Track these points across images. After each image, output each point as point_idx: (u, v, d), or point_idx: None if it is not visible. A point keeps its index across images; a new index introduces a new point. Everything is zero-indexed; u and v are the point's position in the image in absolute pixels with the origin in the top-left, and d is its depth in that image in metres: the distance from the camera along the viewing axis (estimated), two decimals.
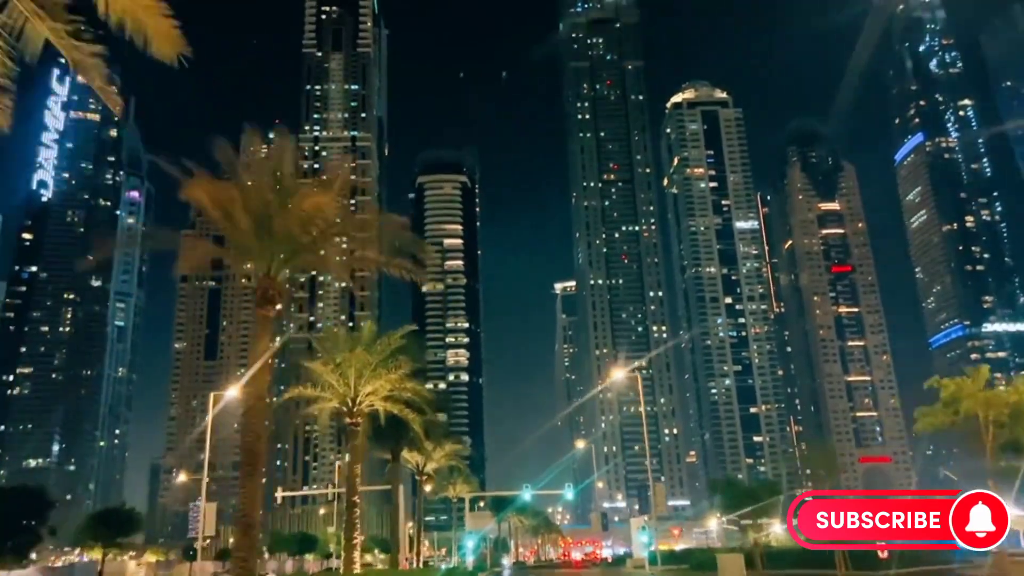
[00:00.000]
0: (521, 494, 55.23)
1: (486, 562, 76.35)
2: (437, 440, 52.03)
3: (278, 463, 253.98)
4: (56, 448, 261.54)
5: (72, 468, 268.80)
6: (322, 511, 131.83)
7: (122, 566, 52.80)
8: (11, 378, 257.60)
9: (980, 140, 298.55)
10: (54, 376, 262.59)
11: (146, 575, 46.31)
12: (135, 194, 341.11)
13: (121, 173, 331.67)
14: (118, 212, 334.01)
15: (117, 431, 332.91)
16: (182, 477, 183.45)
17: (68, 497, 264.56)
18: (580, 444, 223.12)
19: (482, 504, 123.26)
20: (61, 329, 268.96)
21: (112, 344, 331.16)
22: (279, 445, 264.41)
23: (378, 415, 35.43)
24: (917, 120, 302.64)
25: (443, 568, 52.58)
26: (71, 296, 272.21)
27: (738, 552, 31.89)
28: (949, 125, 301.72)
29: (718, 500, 51.83)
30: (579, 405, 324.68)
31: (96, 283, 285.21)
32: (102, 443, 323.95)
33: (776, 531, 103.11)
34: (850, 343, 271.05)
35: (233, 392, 37.51)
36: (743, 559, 26.58)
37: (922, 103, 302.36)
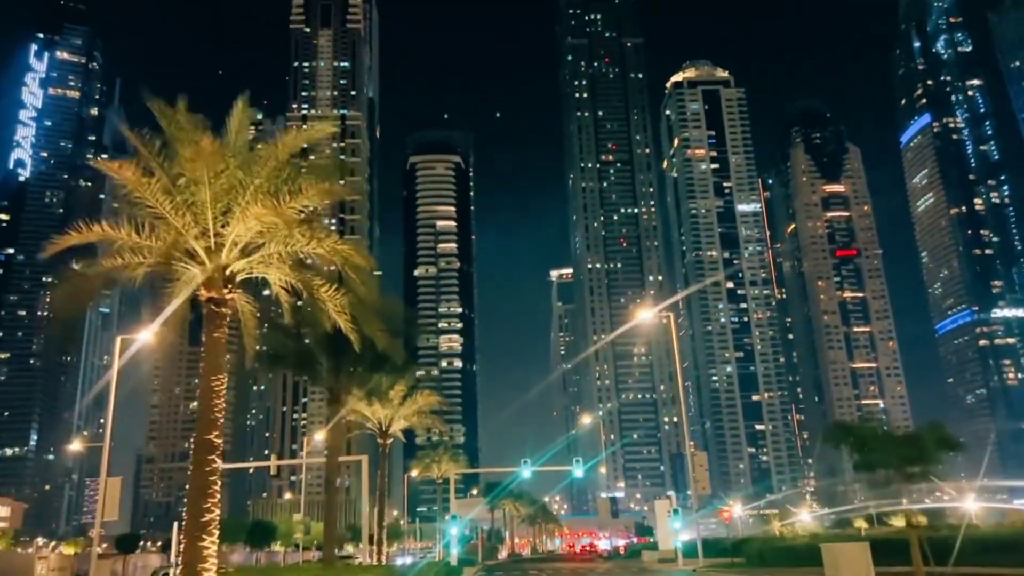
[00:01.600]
0: (519, 471, 45.28)
1: (477, 556, 67.29)
2: (397, 373, 37.09)
3: (266, 452, 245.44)
4: (34, 437, 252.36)
5: (51, 457, 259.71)
6: (287, 496, 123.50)
7: (29, 559, 43.81)
8: None
9: (988, 122, 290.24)
10: (32, 362, 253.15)
11: (51, 569, 37.33)
12: None
13: (105, 156, 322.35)
14: (102, 196, 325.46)
15: (102, 420, 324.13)
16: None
17: (47, 487, 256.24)
18: (586, 419, 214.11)
19: (475, 492, 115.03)
20: (39, 313, 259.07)
21: (97, 332, 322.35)
22: (266, 434, 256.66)
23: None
24: (924, 101, 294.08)
25: (420, 563, 43.88)
26: (50, 279, 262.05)
27: (859, 541, 22.66)
28: (956, 106, 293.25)
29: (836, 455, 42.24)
30: (575, 393, 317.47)
31: (76, 266, 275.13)
32: (85, 432, 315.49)
33: (804, 519, 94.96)
34: (855, 329, 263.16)
35: (146, 336, 29.78)
36: (869, 550, 18.11)
37: (929, 83, 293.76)
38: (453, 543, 49.74)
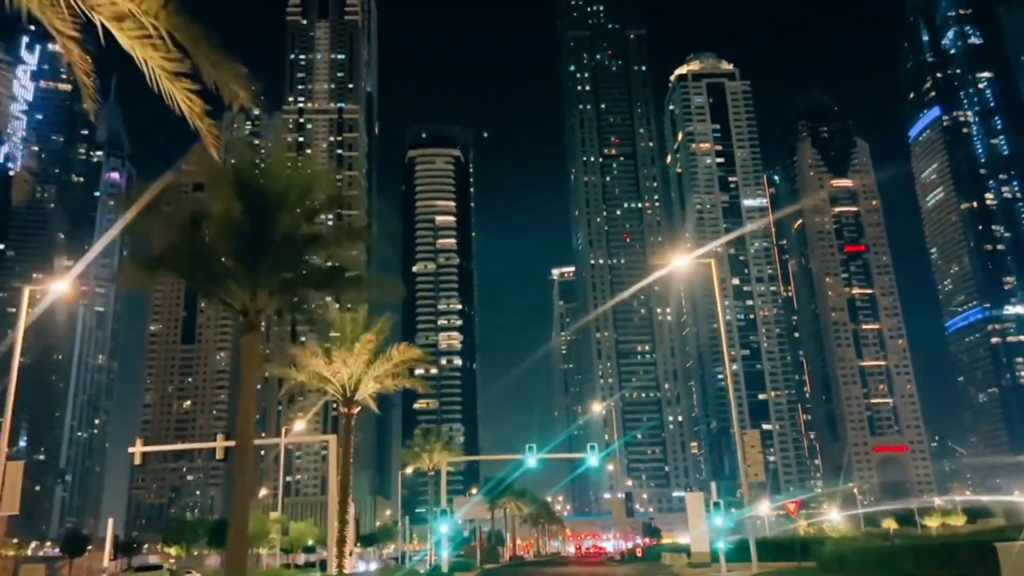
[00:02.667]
0: (523, 459, 38.21)
1: (474, 559, 60.74)
2: (357, 290, 22.88)
3: (261, 452, 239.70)
4: (23, 437, 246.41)
5: (41, 458, 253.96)
6: (263, 491, 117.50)
7: None
8: None
9: (998, 116, 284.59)
10: (21, 360, 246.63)
11: None
12: (116, 176, 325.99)
13: (100, 153, 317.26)
14: (97, 193, 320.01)
15: (96, 421, 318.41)
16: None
17: (37, 488, 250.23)
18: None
19: (474, 491, 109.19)
20: (28, 310, 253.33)
21: (90, 331, 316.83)
22: (261, 433, 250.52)
23: None
24: (933, 94, 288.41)
25: (406, 565, 37.90)
26: (40, 276, 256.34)
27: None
28: (966, 100, 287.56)
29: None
30: (577, 393, 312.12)
31: (68, 263, 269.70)
32: (82, 434, 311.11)
33: (834, 519, 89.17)
34: (864, 326, 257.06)
35: (62, 286, 24.34)
36: None
37: (938, 76, 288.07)
38: (443, 543, 43.11)
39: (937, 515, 78.19)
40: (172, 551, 67.91)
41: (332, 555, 30.43)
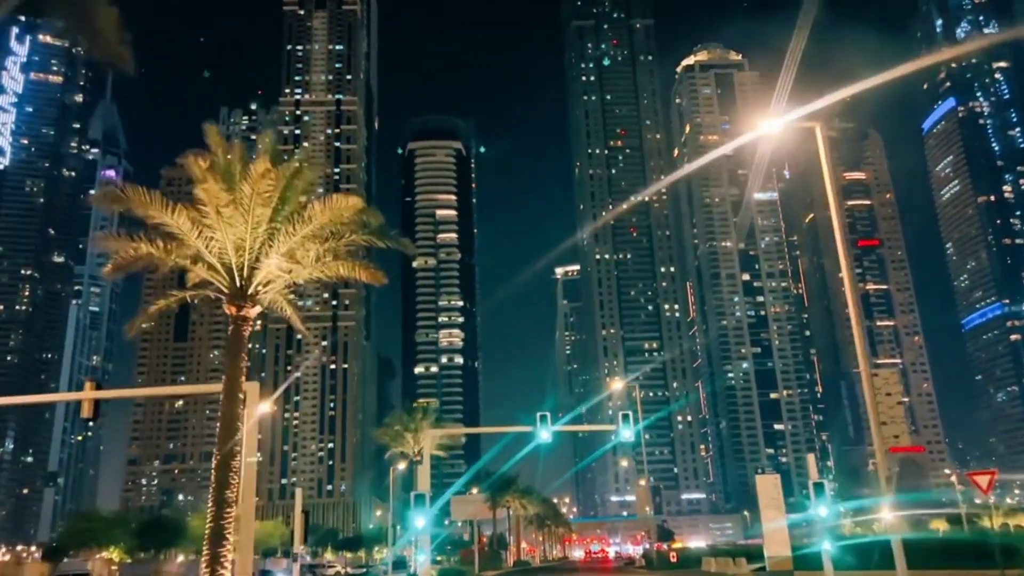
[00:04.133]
0: (535, 432, 29.26)
1: (472, 567, 50.91)
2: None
3: (257, 453, 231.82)
4: (11, 438, 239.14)
5: (30, 460, 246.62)
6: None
7: None
8: None
9: (1013, 107, 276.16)
10: (9, 359, 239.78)
11: None
12: (111, 173, 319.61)
13: (96, 150, 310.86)
14: (92, 191, 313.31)
15: (91, 423, 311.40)
16: None
17: (24, 491, 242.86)
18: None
19: (475, 491, 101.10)
20: (18, 308, 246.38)
21: (85, 331, 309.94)
22: (258, 435, 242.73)
23: None
24: (948, 84, 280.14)
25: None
26: (29, 272, 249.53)
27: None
28: (981, 90, 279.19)
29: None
30: (582, 393, 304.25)
31: (58, 259, 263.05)
32: (80, 437, 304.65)
33: (886, 518, 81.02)
34: (879, 323, 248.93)
35: None
36: None
37: (953, 66, 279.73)
38: (422, 545, 33.59)
39: (999, 515, 70.57)
40: (115, 555, 60.40)
41: (205, 559, 18.51)
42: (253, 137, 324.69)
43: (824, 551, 22.50)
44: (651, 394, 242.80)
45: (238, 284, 20.12)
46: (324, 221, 20.22)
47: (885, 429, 17.21)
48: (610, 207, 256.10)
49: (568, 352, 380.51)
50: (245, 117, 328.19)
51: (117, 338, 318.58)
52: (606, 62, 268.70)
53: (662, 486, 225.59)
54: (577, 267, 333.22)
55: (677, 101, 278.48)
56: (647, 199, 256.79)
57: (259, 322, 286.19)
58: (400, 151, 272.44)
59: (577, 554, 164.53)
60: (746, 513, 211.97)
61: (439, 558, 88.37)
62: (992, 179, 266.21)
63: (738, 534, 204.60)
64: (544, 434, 30.61)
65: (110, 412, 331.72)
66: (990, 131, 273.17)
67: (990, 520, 60.87)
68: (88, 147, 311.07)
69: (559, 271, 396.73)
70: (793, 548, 29.43)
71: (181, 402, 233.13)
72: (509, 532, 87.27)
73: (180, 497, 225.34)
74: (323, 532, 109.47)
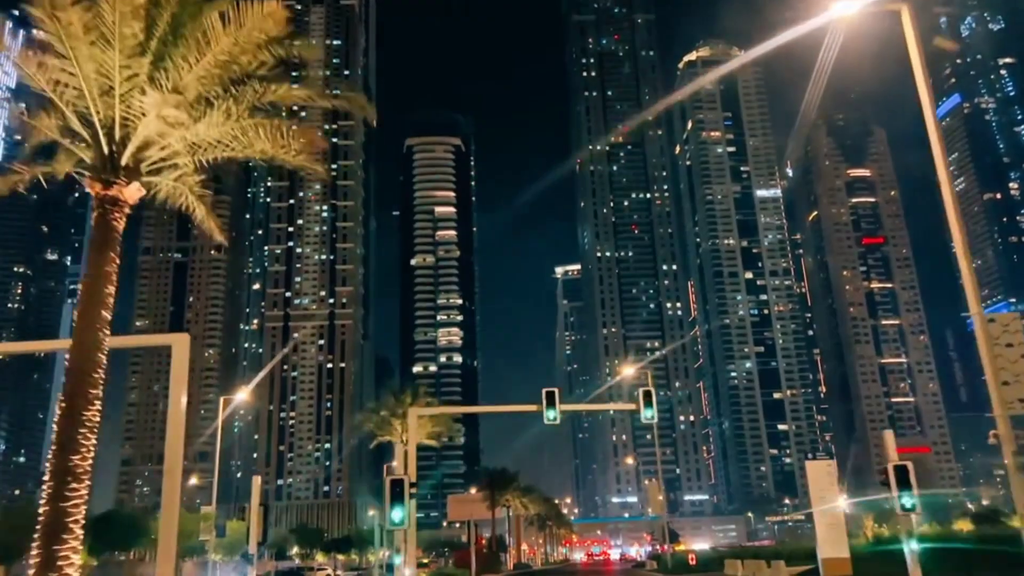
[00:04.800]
0: (543, 412, 25.64)
1: (469, 569, 46.36)
2: None
3: (254, 455, 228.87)
4: (3, 438, 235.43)
5: (22, 460, 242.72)
6: (193, 479, 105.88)
7: None
8: None
9: (1017, 105, 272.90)
10: (2, 357, 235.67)
11: None
12: None
13: None
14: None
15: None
16: None
17: (16, 492, 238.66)
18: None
19: (473, 491, 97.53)
20: (10, 305, 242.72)
21: None
22: (254, 436, 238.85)
23: None
24: (953, 80, 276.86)
25: None
26: (22, 270, 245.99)
27: None
28: (986, 87, 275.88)
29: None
30: (582, 393, 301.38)
31: (52, 256, 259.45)
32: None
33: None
34: (884, 322, 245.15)
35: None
36: None
37: (958, 62, 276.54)
38: (403, 548, 28.08)
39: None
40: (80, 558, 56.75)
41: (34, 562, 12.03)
42: None
43: (909, 552, 18.68)
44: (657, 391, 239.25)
45: (104, 149, 13.66)
46: (228, 46, 13.40)
47: (1007, 391, 14.14)
48: (611, 204, 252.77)
49: (568, 352, 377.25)
50: None
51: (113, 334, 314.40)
52: (607, 57, 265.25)
53: (663, 487, 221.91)
54: (577, 267, 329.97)
55: (679, 98, 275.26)
56: (648, 196, 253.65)
57: (255, 322, 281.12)
58: (399, 147, 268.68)
59: (577, 556, 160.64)
60: (750, 515, 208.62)
61: (425, 560, 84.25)
62: (998, 176, 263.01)
63: (741, 536, 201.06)
64: (551, 415, 27.10)
65: (105, 413, 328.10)
66: (995, 128, 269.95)
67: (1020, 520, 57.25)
68: None
69: (559, 270, 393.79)
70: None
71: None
72: (509, 533, 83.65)
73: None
74: (312, 532, 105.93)
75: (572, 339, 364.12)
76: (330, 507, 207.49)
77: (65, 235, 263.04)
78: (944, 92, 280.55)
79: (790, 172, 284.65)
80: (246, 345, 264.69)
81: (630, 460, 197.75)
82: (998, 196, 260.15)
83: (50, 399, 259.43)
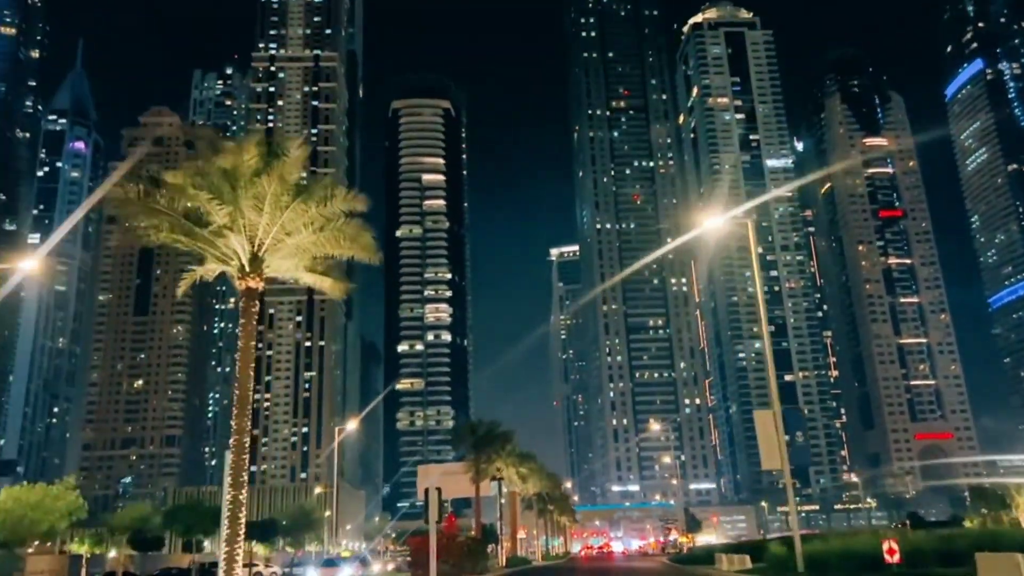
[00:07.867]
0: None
1: (425, 568, 29.21)
2: None
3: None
4: None
5: None
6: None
7: None
8: None
9: None
10: None
11: None
12: (80, 145, 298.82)
13: (63, 120, 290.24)
14: (60, 164, 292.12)
15: (55, 409, 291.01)
16: None
17: None
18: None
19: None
20: None
21: (49, 310, 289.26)
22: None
23: None
24: (975, 46, 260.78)
25: None
26: None
27: None
28: (1010, 52, 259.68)
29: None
30: (579, 384, 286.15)
31: (10, 227, 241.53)
32: (52, 420, 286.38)
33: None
34: (902, 300, 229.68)
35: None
36: None
37: (980, 26, 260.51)
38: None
39: None
40: None
41: None
42: (228, 103, 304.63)
43: None
44: (656, 375, 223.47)
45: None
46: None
47: None
48: (612, 173, 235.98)
49: (564, 338, 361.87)
50: (219, 82, 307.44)
51: (85, 319, 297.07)
52: (608, 16, 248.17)
53: (668, 475, 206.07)
54: (574, 248, 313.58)
55: (683, 66, 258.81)
56: (651, 164, 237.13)
57: (231, 300, 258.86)
58: (385, 112, 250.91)
59: (575, 549, 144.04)
60: (764, 504, 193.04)
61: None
62: (1022, 147, 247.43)
63: (751, 528, 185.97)
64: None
65: (76, 397, 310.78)
66: (1021, 96, 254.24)
67: None
68: (56, 116, 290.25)
69: (554, 252, 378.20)
70: None
71: (141, 381, 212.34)
72: (500, 518, 65.46)
73: (139, 486, 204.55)
74: (264, 520, 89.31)
75: (568, 322, 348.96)
76: (306, 494, 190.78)
77: (26, 206, 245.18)
78: (965, 58, 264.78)
79: (800, 143, 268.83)
80: (220, 324, 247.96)
81: (626, 448, 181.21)
82: (1021, 167, 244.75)
83: (17, 388, 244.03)
